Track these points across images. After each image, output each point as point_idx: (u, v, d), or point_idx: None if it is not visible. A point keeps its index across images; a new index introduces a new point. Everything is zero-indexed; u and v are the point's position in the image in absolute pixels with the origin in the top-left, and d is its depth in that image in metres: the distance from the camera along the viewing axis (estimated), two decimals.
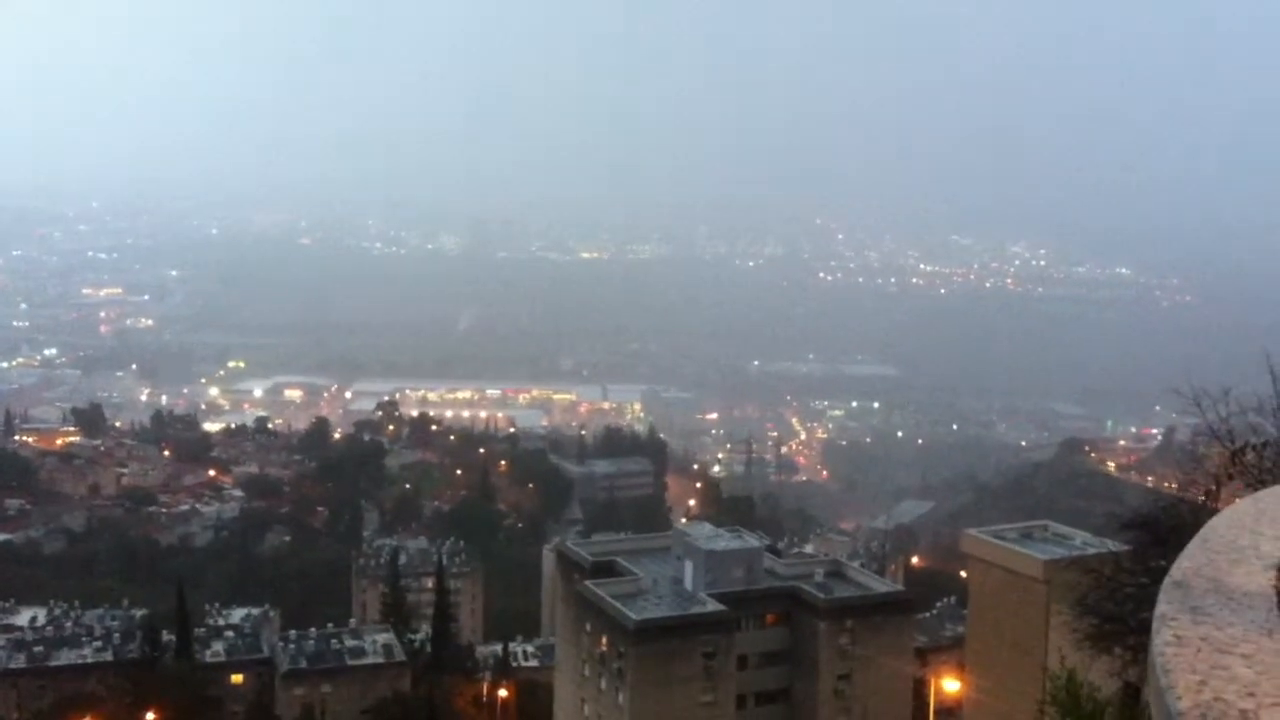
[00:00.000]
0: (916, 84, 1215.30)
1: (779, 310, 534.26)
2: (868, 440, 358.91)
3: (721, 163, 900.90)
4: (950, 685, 65.48)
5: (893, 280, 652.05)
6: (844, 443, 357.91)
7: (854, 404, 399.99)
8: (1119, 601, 28.19)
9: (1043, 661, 41.53)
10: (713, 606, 67.60)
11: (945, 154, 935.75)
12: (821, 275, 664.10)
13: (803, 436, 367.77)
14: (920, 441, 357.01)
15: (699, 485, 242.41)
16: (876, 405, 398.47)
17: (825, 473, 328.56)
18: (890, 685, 70.44)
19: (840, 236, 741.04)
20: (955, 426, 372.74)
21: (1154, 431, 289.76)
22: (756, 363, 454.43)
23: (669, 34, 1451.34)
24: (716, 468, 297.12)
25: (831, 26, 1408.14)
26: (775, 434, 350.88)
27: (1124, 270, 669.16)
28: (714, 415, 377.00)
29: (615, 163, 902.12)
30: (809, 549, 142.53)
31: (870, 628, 70.52)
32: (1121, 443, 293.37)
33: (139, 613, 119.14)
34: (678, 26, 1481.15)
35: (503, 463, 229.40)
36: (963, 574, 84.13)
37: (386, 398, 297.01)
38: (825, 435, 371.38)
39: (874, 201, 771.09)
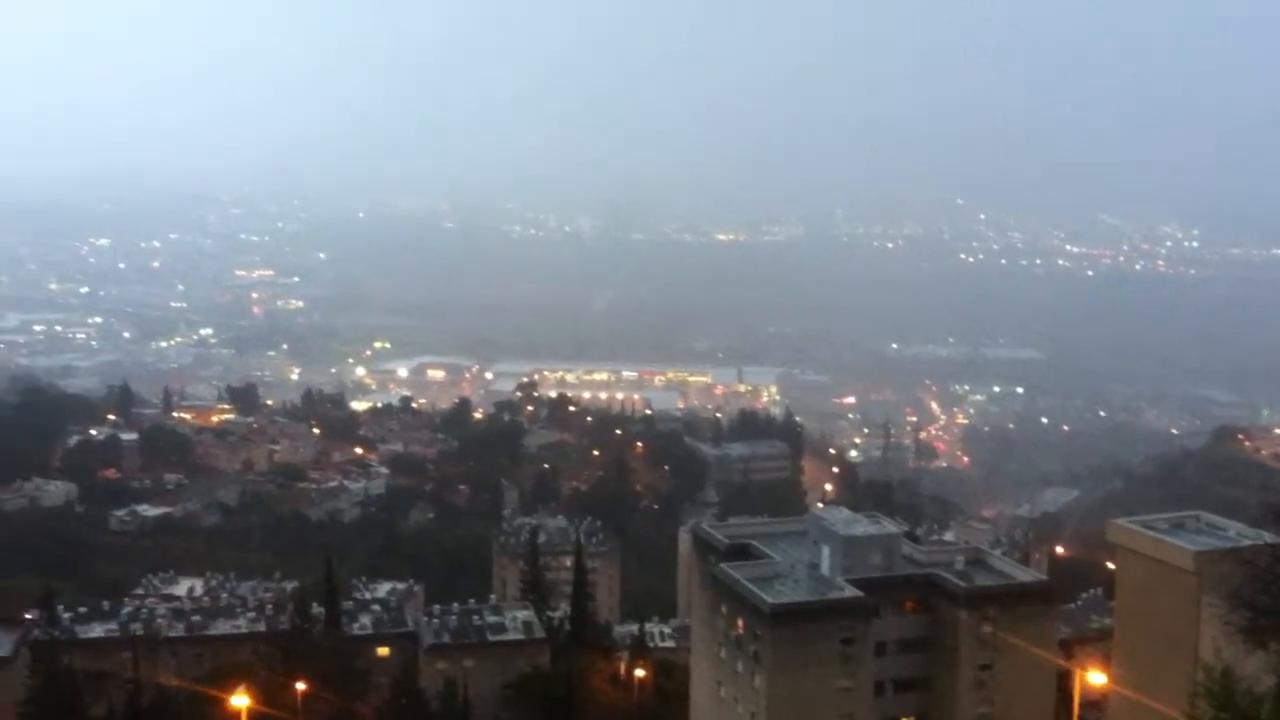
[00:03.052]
0: (1059, 60, 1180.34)
1: (918, 292, 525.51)
2: (1010, 426, 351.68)
3: (859, 144, 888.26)
4: (1096, 678, 63.97)
5: (1038, 261, 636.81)
6: (985, 428, 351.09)
7: (996, 388, 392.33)
8: (1275, 594, 27.47)
9: (1193, 656, 40.49)
10: (850, 592, 67.01)
11: (1092, 131, 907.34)
12: (962, 256, 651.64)
13: (942, 421, 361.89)
14: (1065, 428, 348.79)
15: (835, 469, 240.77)
16: (1020, 390, 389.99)
17: (965, 459, 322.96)
18: (1033, 676, 69.04)
19: (982, 217, 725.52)
20: (1102, 413, 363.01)
21: None
22: (895, 345, 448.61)
23: (798, 14, 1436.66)
24: (853, 452, 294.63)
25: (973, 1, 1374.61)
26: (914, 418, 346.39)
27: None
28: (851, 399, 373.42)
29: (749, 145, 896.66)
30: (949, 536, 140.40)
31: (1013, 617, 69.12)
32: (1278, 431, 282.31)
33: (290, 585, 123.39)
34: (805, 7, 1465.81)
35: (638, 444, 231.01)
36: (1110, 565, 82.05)
37: (525, 378, 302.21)
38: (966, 420, 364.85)
39: (1018, 181, 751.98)
